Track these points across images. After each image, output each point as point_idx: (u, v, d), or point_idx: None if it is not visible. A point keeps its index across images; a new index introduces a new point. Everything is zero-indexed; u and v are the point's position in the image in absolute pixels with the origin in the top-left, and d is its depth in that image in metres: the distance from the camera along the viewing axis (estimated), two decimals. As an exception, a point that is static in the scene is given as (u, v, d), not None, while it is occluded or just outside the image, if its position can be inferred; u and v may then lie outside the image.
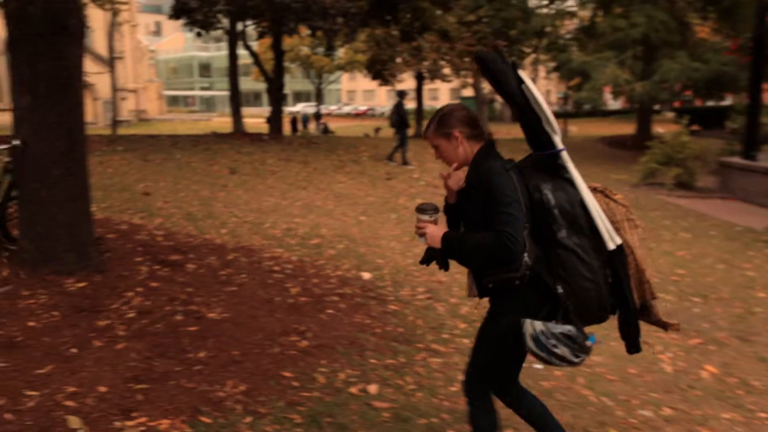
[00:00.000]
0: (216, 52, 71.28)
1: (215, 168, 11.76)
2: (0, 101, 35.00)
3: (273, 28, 19.25)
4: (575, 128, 33.76)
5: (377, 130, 33.14)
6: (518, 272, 2.24)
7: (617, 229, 2.34)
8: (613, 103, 45.72)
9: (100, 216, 6.67)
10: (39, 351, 3.32)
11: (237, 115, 20.41)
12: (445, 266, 2.54)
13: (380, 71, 25.52)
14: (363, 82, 64.87)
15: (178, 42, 79.83)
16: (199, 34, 17.45)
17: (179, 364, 3.42)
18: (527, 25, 20.95)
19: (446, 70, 26.91)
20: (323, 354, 3.86)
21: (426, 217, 2.40)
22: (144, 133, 21.49)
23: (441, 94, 60.11)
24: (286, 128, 26.93)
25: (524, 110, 2.33)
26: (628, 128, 29.88)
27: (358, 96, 74.41)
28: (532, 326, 2.23)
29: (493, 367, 2.50)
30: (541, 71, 49.15)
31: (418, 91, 27.41)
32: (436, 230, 2.37)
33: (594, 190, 2.40)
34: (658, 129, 26.41)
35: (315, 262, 6.18)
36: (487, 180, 2.26)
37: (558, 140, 2.34)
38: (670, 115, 36.94)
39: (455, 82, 32.88)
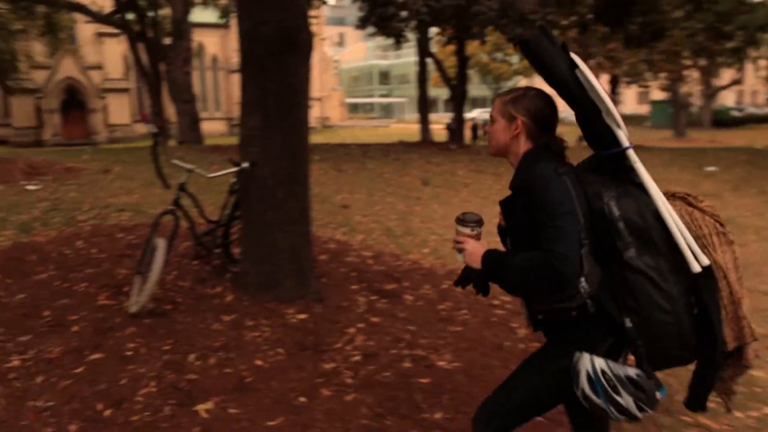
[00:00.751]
0: (395, 60, 73.09)
1: (407, 179, 11.55)
2: (205, 110, 38.68)
3: (459, 35, 18.89)
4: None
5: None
6: (574, 301, 1.81)
7: (703, 246, 1.84)
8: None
9: (306, 231, 6.62)
10: (268, 397, 3.06)
11: (425, 123, 20.27)
12: (484, 290, 2.13)
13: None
14: (541, 86, 62.66)
15: (359, 51, 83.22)
16: (398, 42, 17.49)
17: (414, 426, 2.98)
18: (751, 16, 18.27)
19: (646, 74, 24.71)
20: (573, 423, 3.21)
21: (467, 230, 2.00)
22: (329, 140, 22.19)
23: (626, 97, 56.10)
24: (467, 134, 26.55)
25: (580, 101, 1.90)
26: None
27: (535, 101, 72.07)
28: (592, 362, 1.78)
29: (530, 403, 2.00)
30: (749, 70, 43.94)
31: (612, 95, 25.55)
32: (477, 247, 1.96)
33: (673, 196, 1.94)
34: None
35: (531, 293, 5.55)
36: (534, 186, 1.84)
37: (623, 136, 1.87)
38: None
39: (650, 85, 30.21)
